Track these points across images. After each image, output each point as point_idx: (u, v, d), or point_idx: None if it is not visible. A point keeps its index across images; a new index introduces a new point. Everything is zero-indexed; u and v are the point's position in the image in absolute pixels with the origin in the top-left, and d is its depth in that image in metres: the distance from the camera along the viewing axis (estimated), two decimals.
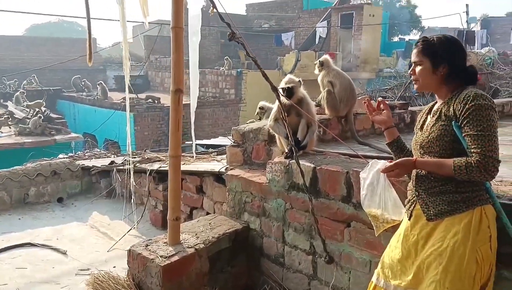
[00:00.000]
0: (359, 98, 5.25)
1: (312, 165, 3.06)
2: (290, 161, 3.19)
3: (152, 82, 21.99)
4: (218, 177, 4.29)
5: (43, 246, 4.53)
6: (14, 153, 10.05)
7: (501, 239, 2.06)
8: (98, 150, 9.26)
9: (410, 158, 2.13)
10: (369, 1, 24.28)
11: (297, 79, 3.36)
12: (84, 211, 5.67)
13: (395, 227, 2.33)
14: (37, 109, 12.79)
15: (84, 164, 6.34)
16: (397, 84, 12.93)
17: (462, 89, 2.04)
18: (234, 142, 4.11)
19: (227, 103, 16.92)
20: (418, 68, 2.07)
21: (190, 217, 4.70)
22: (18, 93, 15.13)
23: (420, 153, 2.14)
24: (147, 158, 5.57)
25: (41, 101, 13.32)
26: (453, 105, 2.00)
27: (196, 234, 3.33)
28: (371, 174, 2.26)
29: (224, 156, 4.68)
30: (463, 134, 1.95)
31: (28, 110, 12.77)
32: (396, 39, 33.23)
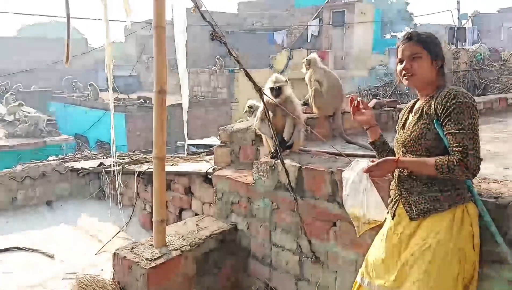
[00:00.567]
0: (347, 96, 5.25)
1: (298, 165, 3.04)
2: (276, 161, 3.17)
3: (144, 82, 21.89)
4: (206, 177, 4.26)
5: (30, 249, 4.48)
6: (3, 155, 9.96)
7: (484, 237, 2.06)
8: (89, 151, 9.19)
9: (392, 157, 2.12)
10: None
11: (284, 78, 3.34)
12: (73, 214, 5.62)
13: (380, 226, 2.31)
14: (21, 113, 12.66)
15: (73, 166, 6.28)
16: (389, 82, 12.96)
17: (444, 87, 2.03)
18: (221, 142, 4.09)
19: (220, 103, 16.86)
20: (416, 61, 2.00)
21: (179, 218, 4.67)
22: (8, 94, 14.98)
23: (402, 152, 2.12)
24: (136, 159, 5.53)
25: (21, 102, 13.10)
26: (435, 104, 1.98)
27: (182, 236, 3.30)
28: (354, 174, 2.24)
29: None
30: (445, 133, 1.94)
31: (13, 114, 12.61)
32: (388, 36, 33.28)
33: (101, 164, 6.05)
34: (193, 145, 9.15)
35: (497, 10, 33.64)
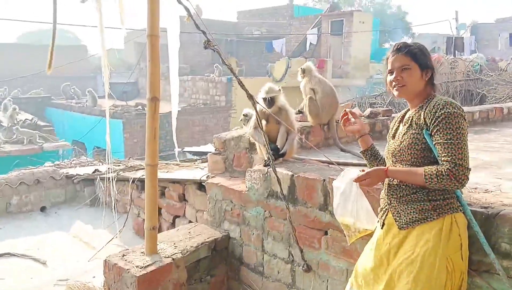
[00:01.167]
0: (342, 104, 5.27)
1: (290, 173, 3.04)
2: (269, 169, 3.17)
3: (142, 89, 21.91)
4: (200, 185, 4.26)
5: (23, 256, 4.46)
6: (0, 161, 9.95)
7: (473, 247, 2.06)
8: (86, 158, 9.17)
9: (382, 167, 2.13)
10: (360, 8, 24.45)
11: (277, 88, 3.35)
12: (67, 220, 5.59)
13: (370, 235, 2.31)
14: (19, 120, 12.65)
15: (68, 173, 6.27)
16: (386, 91, 12.99)
17: (433, 97, 2.04)
18: (215, 149, 4.09)
19: (218, 110, 16.90)
20: (406, 73, 2.03)
21: (173, 225, 4.65)
22: (6, 100, 14.99)
23: (392, 161, 2.13)
24: (131, 166, 5.52)
25: (15, 106, 13.07)
26: (424, 114, 2.00)
27: (174, 244, 3.29)
28: (344, 183, 2.25)
29: None
30: (434, 143, 1.95)
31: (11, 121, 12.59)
32: (387, 45, 33.44)
33: (96, 170, 6.03)
34: (189, 152, 9.15)
35: (495, 20, 33.88)
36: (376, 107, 9.10)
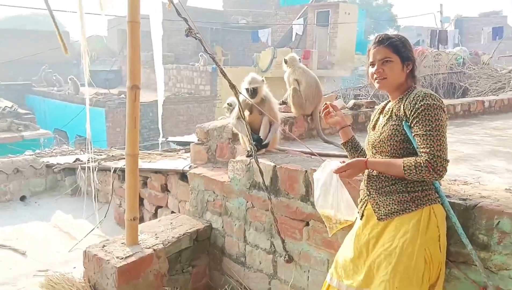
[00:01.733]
0: (326, 96, 5.26)
1: (272, 164, 3.03)
2: (251, 160, 3.15)
3: (125, 77, 21.54)
4: (183, 175, 4.23)
5: (2, 246, 4.38)
6: None
7: (451, 238, 2.09)
8: (67, 147, 9.03)
9: (361, 158, 2.13)
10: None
11: (260, 78, 3.32)
12: (47, 210, 5.51)
13: (351, 226, 2.32)
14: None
15: (48, 162, 6.17)
16: (368, 83, 13.05)
17: (413, 89, 2.05)
18: (198, 140, 4.06)
19: (202, 100, 16.79)
20: (387, 65, 2.03)
21: (155, 216, 4.62)
22: None
23: (372, 152, 2.14)
24: (112, 155, 5.45)
25: None
26: (404, 105, 2.00)
27: (156, 234, 3.26)
28: (324, 174, 2.24)
29: None
30: (413, 134, 1.96)
31: None
32: (372, 37, 33.57)
33: (77, 159, 5.94)
34: (173, 142, 9.07)
35: (479, 14, 34.31)
36: (361, 99, 9.14)
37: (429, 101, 1.92)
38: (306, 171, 2.81)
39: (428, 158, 1.87)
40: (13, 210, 5.55)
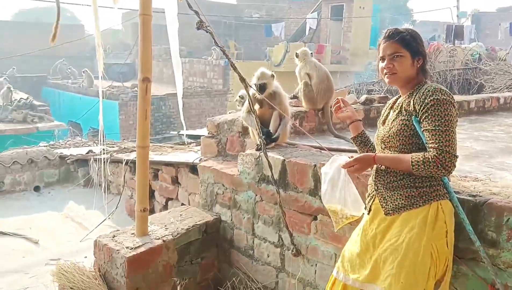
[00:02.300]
0: (338, 90, 5.24)
1: (282, 158, 3.03)
2: (261, 153, 3.16)
3: None
4: (193, 168, 4.26)
5: (15, 235, 4.47)
6: None
7: (460, 234, 2.07)
8: (80, 138, 9.15)
9: (370, 153, 2.12)
10: None
11: (269, 73, 3.31)
12: (60, 200, 5.61)
13: (358, 221, 2.32)
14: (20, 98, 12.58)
15: (62, 153, 6.26)
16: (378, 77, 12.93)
17: (424, 84, 2.03)
18: (208, 133, 4.08)
19: (215, 93, 16.83)
20: (397, 60, 2.02)
21: (165, 207, 4.67)
22: (1, 79, 14.87)
23: (381, 147, 2.13)
24: (124, 147, 5.51)
25: (9, 85, 12.96)
26: (413, 100, 1.99)
27: (165, 226, 3.30)
28: (332, 169, 2.24)
29: None
30: (422, 129, 1.95)
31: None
32: (382, 40, 33.16)
33: (89, 151, 6.02)
34: (185, 135, 9.12)
35: (496, 9, 33.65)
36: (374, 94, 9.07)
37: (438, 96, 1.90)
38: (315, 165, 2.81)
39: (437, 153, 1.86)
40: (26, 200, 5.66)
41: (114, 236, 3.10)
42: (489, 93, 9.15)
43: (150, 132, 3.09)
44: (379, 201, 2.07)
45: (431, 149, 1.88)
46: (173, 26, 3.43)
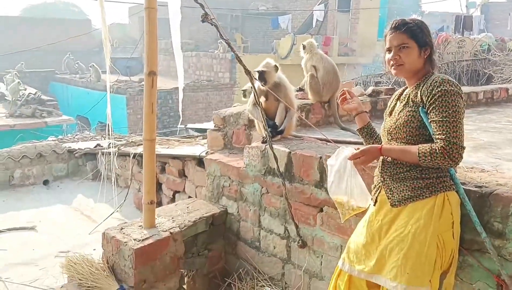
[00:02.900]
0: (344, 82, 5.22)
1: (287, 150, 3.04)
2: (266, 146, 3.16)
3: None
4: (200, 161, 4.28)
5: (25, 228, 4.54)
6: (4, 135, 10.01)
7: (466, 226, 2.07)
8: (89, 133, 9.22)
9: (376, 145, 2.12)
10: None
11: (273, 63, 3.31)
12: (69, 194, 5.67)
13: (364, 213, 2.32)
14: (28, 93, 12.68)
15: (70, 147, 6.31)
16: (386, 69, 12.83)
17: (431, 75, 2.01)
18: (215, 126, 4.09)
19: (221, 87, 16.82)
20: (404, 51, 2.00)
21: (173, 200, 4.70)
22: (8, 76, 14.96)
23: (387, 139, 2.12)
24: (132, 141, 5.54)
25: (19, 81, 13.06)
26: (421, 91, 1.98)
27: (172, 218, 3.33)
28: (339, 161, 2.25)
29: None
30: (429, 120, 1.94)
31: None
32: (389, 31, 32.80)
33: (97, 145, 6.07)
34: (192, 129, 9.16)
35: None
36: (381, 86, 9.01)
37: (446, 87, 1.89)
38: (320, 158, 2.81)
39: (444, 144, 1.85)
40: (36, 194, 5.73)
41: (122, 228, 3.13)
42: (498, 84, 9.04)
43: (157, 126, 3.11)
44: (385, 193, 2.07)
45: (438, 140, 1.87)
46: (175, 19, 3.44)
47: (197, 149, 4.62)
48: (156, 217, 3.22)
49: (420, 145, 1.93)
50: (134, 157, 5.13)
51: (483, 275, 2.10)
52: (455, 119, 1.87)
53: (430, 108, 1.92)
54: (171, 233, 3.10)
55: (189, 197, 4.40)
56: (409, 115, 2.01)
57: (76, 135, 8.20)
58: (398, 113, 2.07)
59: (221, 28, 2.74)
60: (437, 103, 1.90)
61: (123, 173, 5.68)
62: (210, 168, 3.72)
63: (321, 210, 2.86)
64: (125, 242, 2.93)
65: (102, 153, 5.72)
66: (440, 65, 10.01)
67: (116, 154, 5.15)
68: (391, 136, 2.09)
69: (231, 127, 3.92)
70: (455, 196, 1.99)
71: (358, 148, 2.17)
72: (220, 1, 21.15)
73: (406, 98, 2.07)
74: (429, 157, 1.88)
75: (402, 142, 2.04)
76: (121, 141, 5.94)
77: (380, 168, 2.14)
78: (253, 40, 23.69)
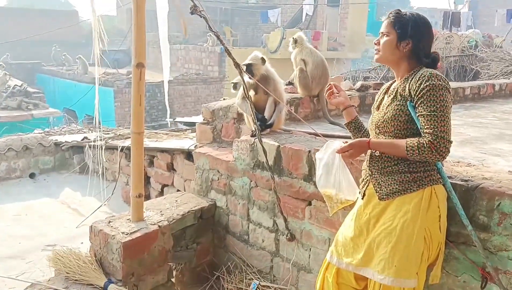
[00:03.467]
0: (333, 77, 5.23)
1: (277, 144, 3.04)
2: (255, 140, 3.16)
3: None
4: (188, 154, 4.26)
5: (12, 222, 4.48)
6: None
7: (452, 219, 2.09)
8: (76, 125, 9.11)
9: (364, 138, 2.13)
10: None
11: (260, 56, 3.30)
12: (56, 187, 5.61)
13: (352, 206, 2.34)
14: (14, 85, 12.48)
15: (57, 140, 6.24)
16: (381, 64, 12.91)
17: (419, 69, 2.02)
18: (204, 119, 4.07)
19: (210, 80, 16.75)
20: (383, 39, 2.05)
21: (161, 194, 4.68)
22: None
23: (375, 133, 2.13)
24: (120, 134, 5.50)
25: (5, 72, 12.86)
26: (409, 85, 1.99)
27: (161, 211, 3.31)
28: (327, 154, 2.25)
29: None
30: (417, 114, 1.95)
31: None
32: (384, 18, 33.01)
33: (85, 138, 6.01)
34: (181, 122, 9.12)
35: None
36: (370, 81, 9.06)
37: (434, 81, 1.90)
38: (309, 151, 2.82)
39: (431, 138, 1.86)
40: (22, 187, 5.66)
41: (109, 222, 3.11)
42: (485, 80, 9.15)
43: (145, 119, 3.09)
44: (373, 186, 2.09)
45: (426, 134, 1.89)
46: (163, 11, 3.41)
47: (185, 142, 4.61)
48: (144, 211, 3.19)
49: (408, 139, 1.94)
50: (122, 150, 5.09)
51: (468, 268, 2.13)
52: (442, 114, 1.89)
53: (418, 102, 1.93)
54: (159, 226, 3.09)
55: (178, 190, 4.38)
56: (397, 109, 2.02)
57: (63, 128, 8.11)
58: (386, 107, 2.08)
59: (211, 20, 2.72)
60: (425, 97, 1.91)
61: (110, 167, 5.63)
62: (199, 161, 3.70)
63: (310, 204, 2.87)
64: (113, 236, 2.91)
65: (90, 146, 5.66)
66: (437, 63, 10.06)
67: (104, 147, 5.10)
68: (379, 130, 2.10)
69: (220, 121, 3.91)
70: (442, 190, 2.01)
71: (346, 142, 2.18)
72: None
73: (394, 92, 2.08)
74: (417, 151, 1.90)
75: (390, 136, 2.05)
76: (108, 134, 5.88)
77: (368, 162, 2.15)
78: (242, 33, 23.60)
